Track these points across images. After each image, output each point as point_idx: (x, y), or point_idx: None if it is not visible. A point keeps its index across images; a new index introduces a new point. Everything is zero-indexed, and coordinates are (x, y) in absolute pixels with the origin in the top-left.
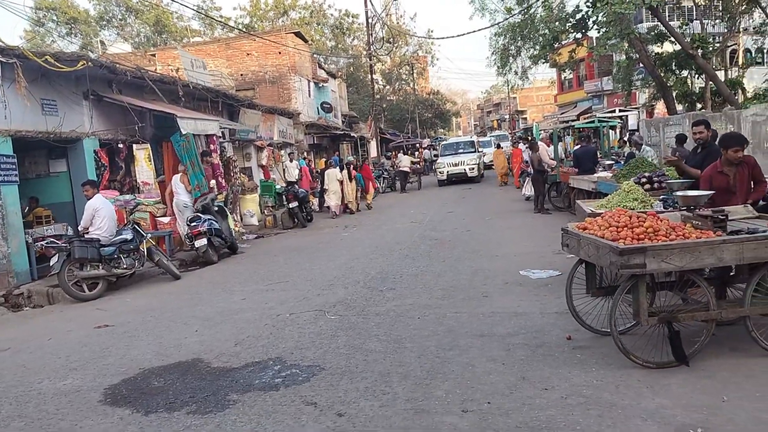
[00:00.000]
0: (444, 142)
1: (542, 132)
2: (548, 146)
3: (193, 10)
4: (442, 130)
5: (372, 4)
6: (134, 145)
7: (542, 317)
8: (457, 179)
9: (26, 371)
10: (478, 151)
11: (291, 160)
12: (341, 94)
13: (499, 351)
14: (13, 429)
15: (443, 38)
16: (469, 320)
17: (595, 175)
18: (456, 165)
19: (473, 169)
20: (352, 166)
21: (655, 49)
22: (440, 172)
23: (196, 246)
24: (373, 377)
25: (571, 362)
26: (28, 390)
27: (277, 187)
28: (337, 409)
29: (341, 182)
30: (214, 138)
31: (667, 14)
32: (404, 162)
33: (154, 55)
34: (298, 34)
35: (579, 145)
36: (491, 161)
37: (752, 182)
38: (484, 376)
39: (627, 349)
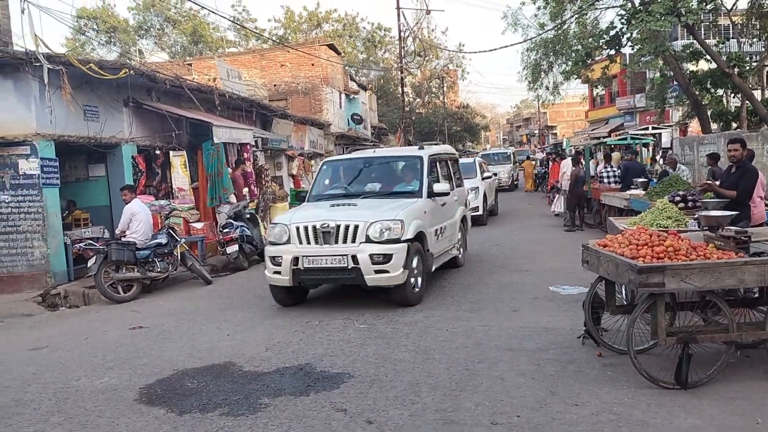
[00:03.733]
0: (326, 163)
1: (572, 148)
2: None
3: (229, 20)
4: (471, 144)
5: (405, 18)
6: (171, 152)
7: (572, 333)
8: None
9: (64, 368)
10: (458, 189)
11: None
12: (371, 106)
13: (528, 365)
14: (52, 424)
15: (474, 52)
16: (498, 334)
17: (628, 192)
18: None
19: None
20: None
21: (690, 66)
22: (273, 262)
23: (228, 252)
24: (402, 387)
25: (601, 379)
26: (66, 386)
27: None
28: (367, 417)
29: None
30: (248, 147)
31: (703, 32)
32: None
33: (190, 65)
34: (331, 47)
35: (627, 158)
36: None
37: None
38: (513, 390)
39: (643, 369)
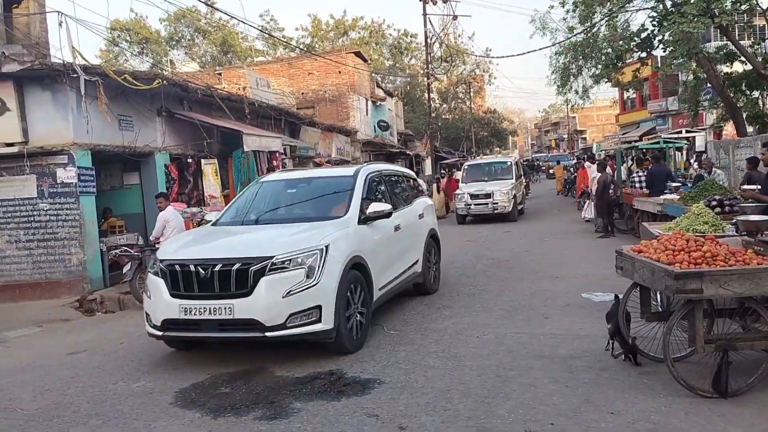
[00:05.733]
0: None
1: (601, 152)
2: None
3: (258, 30)
4: (498, 149)
5: (431, 24)
6: (202, 160)
7: (606, 340)
8: None
9: (102, 372)
10: None
11: None
12: (397, 113)
13: (561, 373)
14: (91, 426)
15: (502, 57)
16: (530, 341)
17: (662, 197)
18: None
19: None
20: (438, 180)
21: (724, 68)
22: None
23: None
24: (434, 393)
25: (637, 387)
26: (104, 390)
27: None
28: (399, 423)
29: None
30: (277, 154)
31: (737, 33)
32: None
33: (220, 74)
34: (357, 54)
35: (652, 164)
36: None
37: None
38: (546, 398)
39: (681, 377)
